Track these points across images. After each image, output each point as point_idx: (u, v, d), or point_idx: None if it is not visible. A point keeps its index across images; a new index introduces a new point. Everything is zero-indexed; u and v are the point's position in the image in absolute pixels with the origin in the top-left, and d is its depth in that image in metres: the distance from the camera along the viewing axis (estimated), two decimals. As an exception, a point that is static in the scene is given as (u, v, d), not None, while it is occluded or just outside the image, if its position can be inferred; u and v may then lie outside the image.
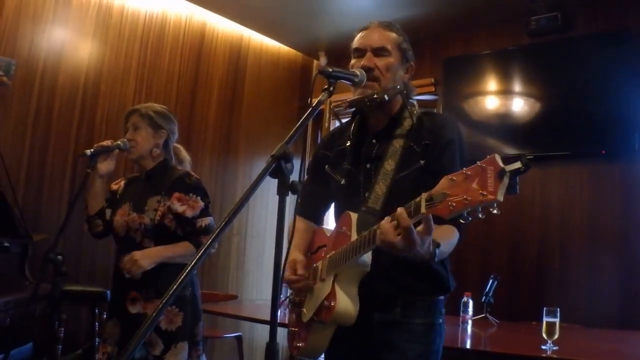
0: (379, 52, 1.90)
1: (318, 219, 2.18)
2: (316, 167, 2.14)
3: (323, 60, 6.20)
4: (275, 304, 1.35)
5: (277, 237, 1.36)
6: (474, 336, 3.37)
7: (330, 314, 1.73)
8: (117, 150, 2.71)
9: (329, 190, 2.06)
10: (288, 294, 2.11)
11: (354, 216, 1.83)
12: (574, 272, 4.47)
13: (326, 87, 1.66)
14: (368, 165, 1.93)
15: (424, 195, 1.42)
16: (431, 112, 2.05)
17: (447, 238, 1.70)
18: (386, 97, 1.87)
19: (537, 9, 4.77)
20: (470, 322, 3.54)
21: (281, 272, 1.37)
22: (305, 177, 2.21)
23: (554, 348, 2.74)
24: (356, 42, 1.96)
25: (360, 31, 1.98)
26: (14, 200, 3.61)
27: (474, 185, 1.29)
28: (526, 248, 4.75)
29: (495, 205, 1.27)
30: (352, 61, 1.95)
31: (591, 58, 4.54)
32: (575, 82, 4.61)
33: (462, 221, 1.35)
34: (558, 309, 2.81)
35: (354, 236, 1.76)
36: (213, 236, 1.27)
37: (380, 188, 1.84)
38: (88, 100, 4.60)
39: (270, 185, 1.36)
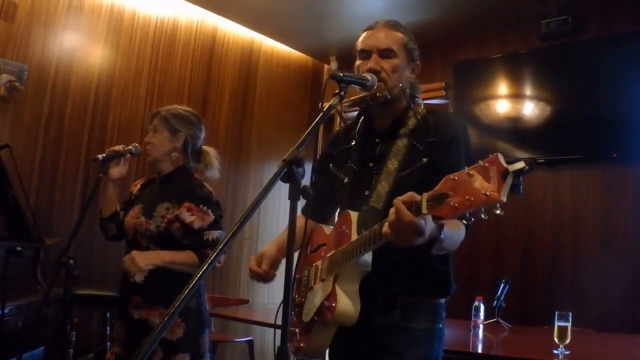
0: (385, 53, 1.88)
1: (323, 219, 2.14)
2: (321, 165, 2.14)
3: (334, 65, 6.22)
4: (286, 308, 1.35)
5: (288, 241, 1.37)
6: (485, 340, 3.35)
7: (331, 315, 1.72)
8: (129, 155, 2.72)
9: (334, 189, 2.04)
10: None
11: (354, 215, 1.82)
12: (586, 276, 4.43)
13: (337, 91, 1.66)
14: (371, 164, 1.92)
15: (425, 195, 1.39)
16: (436, 111, 2.02)
17: (454, 226, 1.61)
18: (388, 95, 1.85)
19: (547, 12, 4.76)
20: (481, 326, 3.51)
21: (292, 277, 1.37)
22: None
23: (566, 352, 2.73)
24: (361, 42, 1.93)
25: (366, 31, 1.96)
26: (26, 204, 3.63)
27: (477, 185, 1.24)
28: (538, 252, 4.72)
29: (498, 205, 1.22)
30: (357, 62, 1.93)
31: (602, 61, 4.51)
32: (586, 85, 4.59)
33: (464, 222, 1.32)
34: (570, 313, 2.79)
35: (354, 235, 1.75)
36: (226, 239, 1.27)
37: (383, 187, 1.82)
38: (100, 104, 4.63)
39: (282, 189, 1.36)
